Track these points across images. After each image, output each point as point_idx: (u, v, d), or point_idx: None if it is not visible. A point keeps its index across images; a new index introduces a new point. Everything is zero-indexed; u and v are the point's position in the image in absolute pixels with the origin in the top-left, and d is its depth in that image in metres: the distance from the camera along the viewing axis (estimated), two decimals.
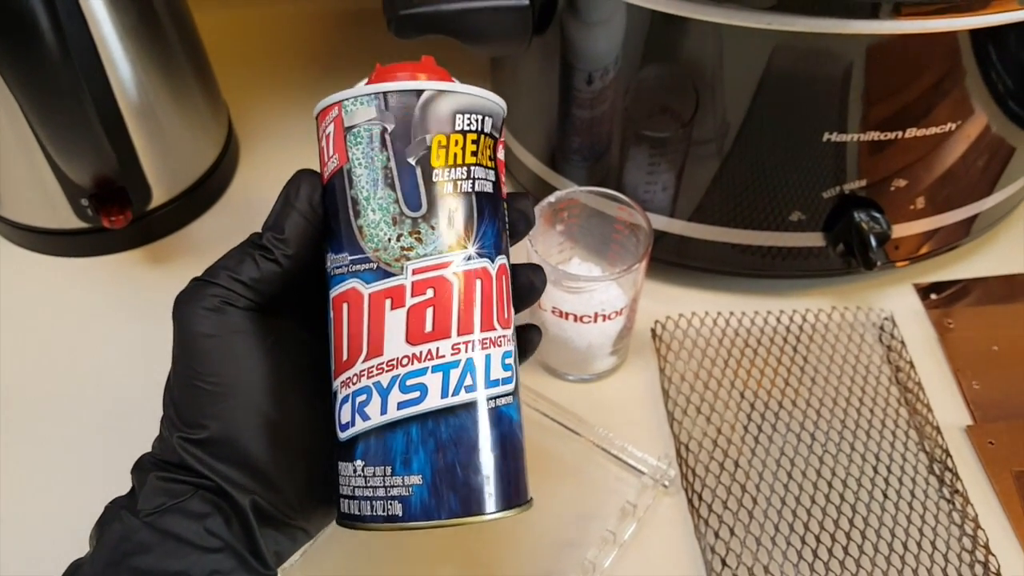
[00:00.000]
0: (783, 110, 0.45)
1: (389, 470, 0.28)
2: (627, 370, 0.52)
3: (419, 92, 0.29)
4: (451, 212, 0.29)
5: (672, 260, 0.54)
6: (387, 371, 0.28)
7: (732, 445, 0.47)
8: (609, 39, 0.46)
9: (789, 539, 0.43)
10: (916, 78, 0.43)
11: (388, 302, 0.28)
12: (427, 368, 0.28)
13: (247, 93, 0.68)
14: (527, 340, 0.34)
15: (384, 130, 0.28)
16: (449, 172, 0.29)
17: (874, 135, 0.45)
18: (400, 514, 0.28)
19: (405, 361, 0.28)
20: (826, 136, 0.45)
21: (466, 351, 0.29)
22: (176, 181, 0.58)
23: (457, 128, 0.29)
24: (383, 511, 0.28)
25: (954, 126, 0.45)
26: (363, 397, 0.29)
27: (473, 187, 0.29)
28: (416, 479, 0.28)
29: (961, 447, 0.47)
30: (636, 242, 0.48)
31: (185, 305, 0.29)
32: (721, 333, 0.53)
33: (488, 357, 0.29)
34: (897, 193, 0.49)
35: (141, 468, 0.30)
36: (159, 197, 0.57)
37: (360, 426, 0.29)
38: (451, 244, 0.29)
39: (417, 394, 0.28)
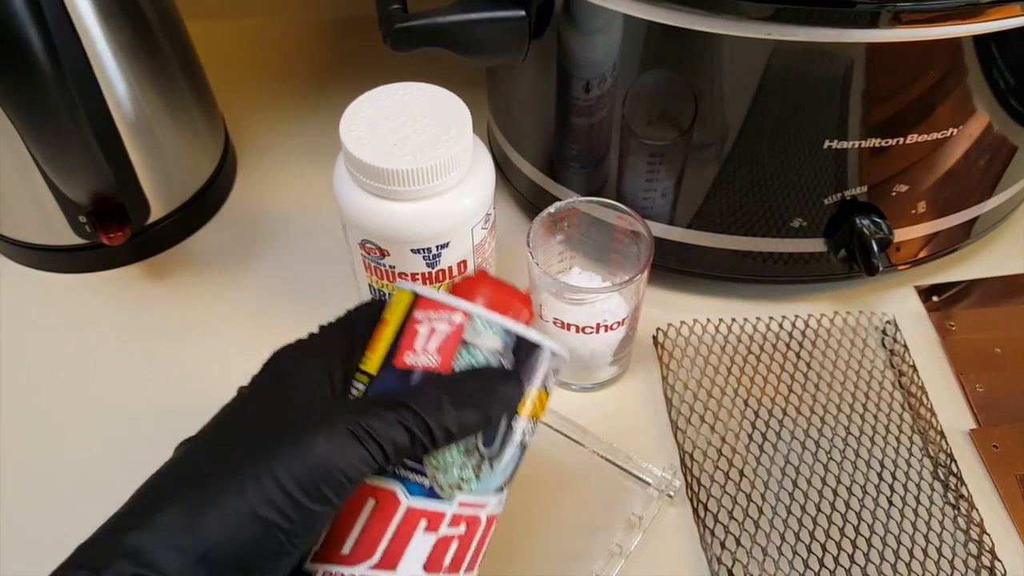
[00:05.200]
0: (782, 117, 0.44)
1: None
2: (629, 379, 0.51)
3: (545, 351, 0.29)
4: (509, 459, 0.29)
5: (673, 267, 0.54)
6: None
7: (736, 453, 0.47)
8: (606, 47, 0.45)
9: (795, 548, 0.43)
10: (916, 84, 0.43)
11: (423, 522, 0.28)
12: None
13: (244, 104, 0.68)
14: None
15: (501, 365, 0.29)
16: (525, 423, 0.29)
17: (875, 141, 0.45)
18: None
19: None
20: (827, 143, 0.45)
21: None
22: (174, 195, 0.57)
23: (545, 386, 0.30)
24: None
25: (955, 130, 0.45)
26: None
27: (528, 439, 0.30)
28: None
29: (965, 451, 0.47)
30: (637, 250, 0.48)
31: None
32: (723, 340, 0.52)
33: None
34: (899, 198, 0.48)
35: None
36: (157, 212, 0.56)
37: None
38: (496, 487, 0.29)
39: None
